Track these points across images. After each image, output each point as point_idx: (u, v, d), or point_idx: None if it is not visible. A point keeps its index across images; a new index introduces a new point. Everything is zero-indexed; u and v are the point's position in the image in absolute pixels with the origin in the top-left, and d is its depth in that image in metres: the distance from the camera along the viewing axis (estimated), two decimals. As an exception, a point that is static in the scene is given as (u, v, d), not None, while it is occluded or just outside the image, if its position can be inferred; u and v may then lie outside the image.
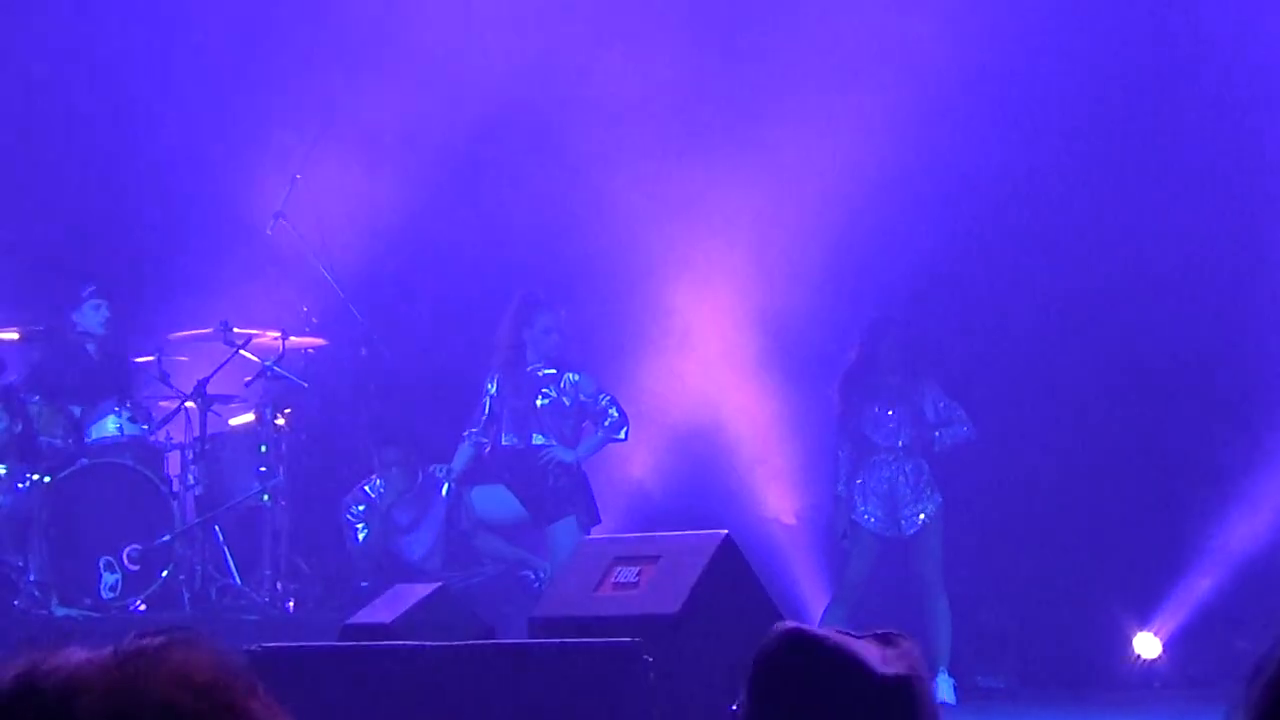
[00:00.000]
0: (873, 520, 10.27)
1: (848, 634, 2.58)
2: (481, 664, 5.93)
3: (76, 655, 1.53)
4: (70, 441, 10.38)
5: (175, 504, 10.34)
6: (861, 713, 2.50)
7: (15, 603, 9.94)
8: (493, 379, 10.64)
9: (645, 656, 5.62)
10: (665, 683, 5.62)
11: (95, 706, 1.48)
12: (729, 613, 5.92)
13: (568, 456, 10.47)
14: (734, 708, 2.56)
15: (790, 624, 2.59)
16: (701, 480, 11.34)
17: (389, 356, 11.42)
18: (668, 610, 5.86)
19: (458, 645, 6.06)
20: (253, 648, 6.09)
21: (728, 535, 6.19)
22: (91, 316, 10.80)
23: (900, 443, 10.31)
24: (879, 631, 2.59)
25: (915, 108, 11.13)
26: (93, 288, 10.84)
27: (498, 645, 6.35)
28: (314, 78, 11.85)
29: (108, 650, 1.54)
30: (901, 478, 10.29)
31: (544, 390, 10.56)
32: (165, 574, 10.20)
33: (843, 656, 2.51)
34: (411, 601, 6.51)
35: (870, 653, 2.52)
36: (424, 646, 6.03)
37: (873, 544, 10.29)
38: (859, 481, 10.31)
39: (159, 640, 1.54)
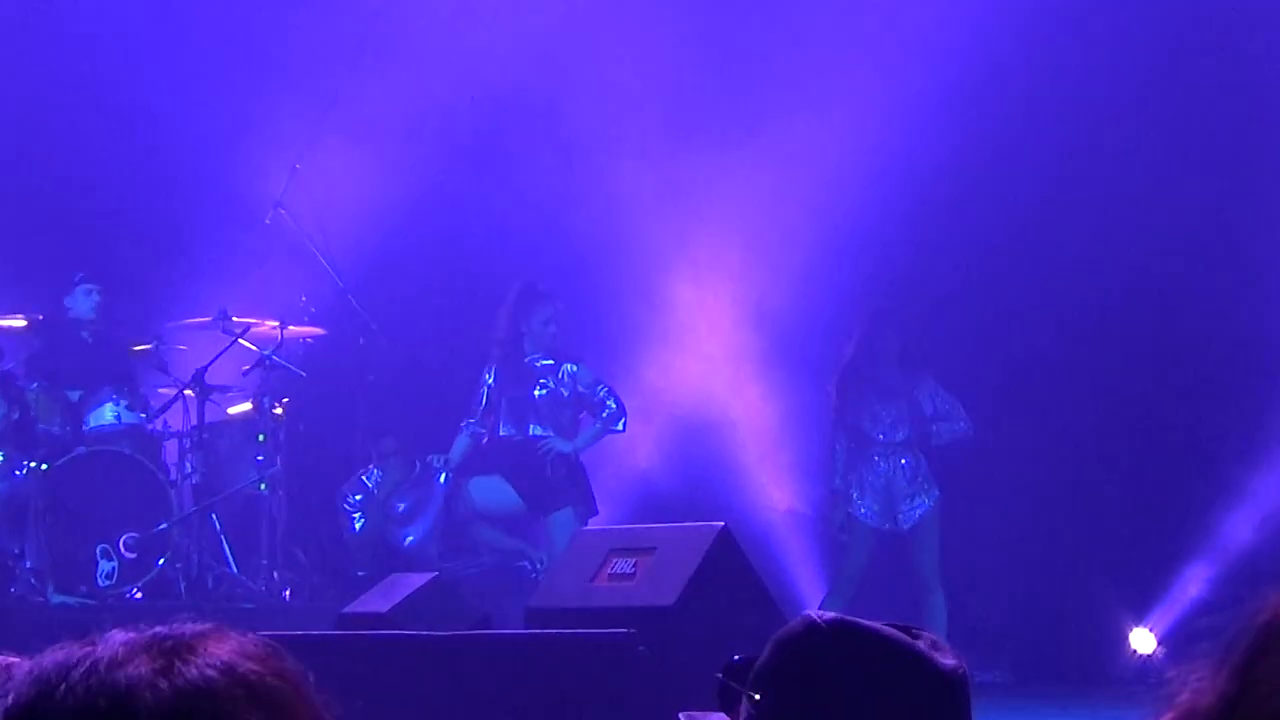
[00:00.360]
0: (869, 514, 10.28)
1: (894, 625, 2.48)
2: (477, 654, 5.94)
3: (121, 634, 1.55)
4: (68, 429, 10.39)
5: (173, 492, 10.34)
6: (923, 705, 2.40)
7: (12, 590, 9.95)
8: (490, 370, 10.66)
9: (640, 647, 5.62)
10: (661, 674, 5.62)
11: (145, 670, 1.49)
12: (725, 604, 5.92)
13: (565, 447, 10.49)
14: (757, 697, 2.42)
15: (826, 613, 2.46)
16: (699, 472, 11.34)
17: (387, 346, 11.41)
18: (664, 601, 5.86)
19: (454, 635, 6.06)
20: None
21: (724, 527, 6.19)
22: (83, 302, 10.81)
23: (897, 437, 10.32)
24: (897, 624, 2.48)
25: (917, 100, 11.13)
26: (83, 273, 10.84)
27: (494, 635, 6.35)
28: (314, 66, 11.84)
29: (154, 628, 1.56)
30: (898, 472, 10.30)
31: (542, 381, 10.57)
32: (162, 562, 10.21)
33: (901, 646, 2.41)
34: (408, 590, 6.51)
35: (920, 644, 2.43)
36: (420, 636, 6.04)
37: (869, 538, 10.30)
38: (856, 475, 10.32)
39: (203, 624, 1.57)
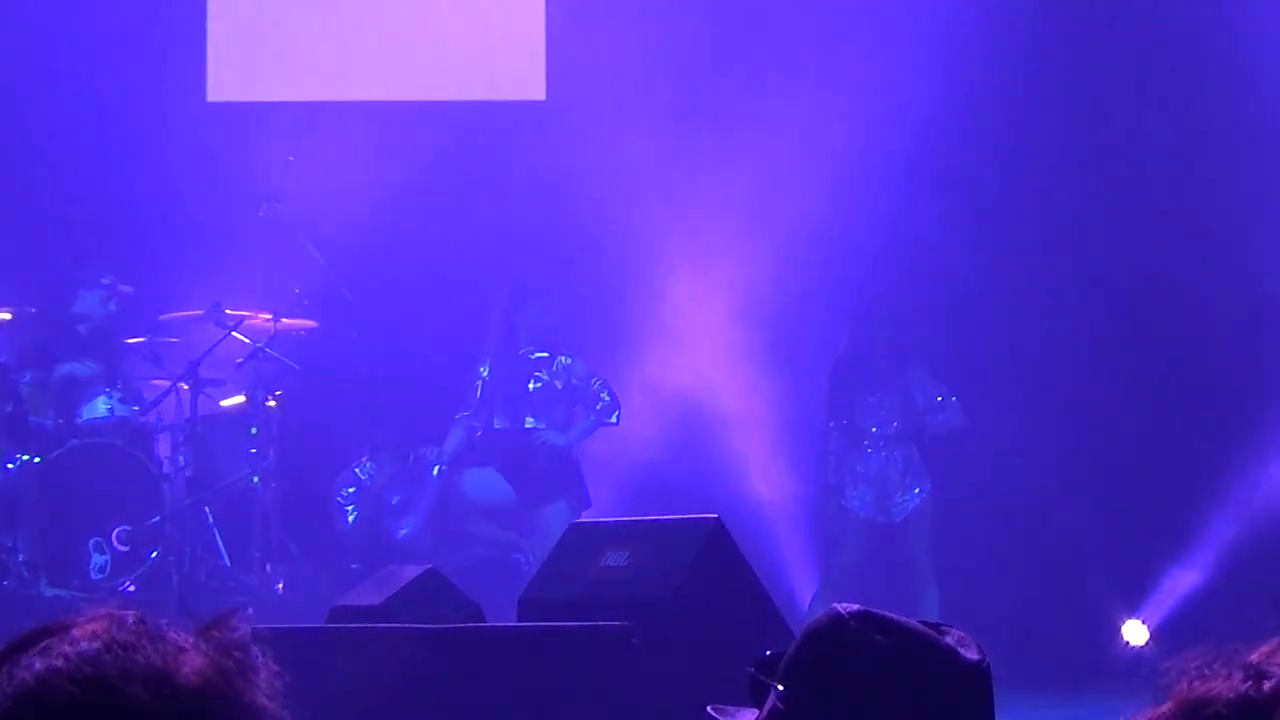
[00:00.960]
0: (862, 506, 10.28)
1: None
2: (470, 646, 5.94)
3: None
4: (60, 422, 10.38)
5: (165, 485, 10.34)
6: (947, 697, 2.43)
7: (4, 583, 9.94)
8: (485, 362, 10.67)
9: (633, 640, 5.62)
10: (654, 666, 5.62)
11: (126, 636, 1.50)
12: (718, 597, 5.91)
13: (559, 440, 10.49)
14: (780, 688, 2.44)
15: (851, 605, 2.49)
16: (693, 464, 11.34)
17: (380, 338, 11.41)
18: (656, 594, 5.85)
19: (446, 628, 6.06)
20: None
21: (718, 519, 6.18)
22: (97, 306, 10.77)
23: (890, 429, 10.32)
24: (926, 623, 2.51)
25: (910, 92, 11.13)
26: (112, 282, 10.76)
27: (486, 628, 6.35)
28: (309, 56, 11.82)
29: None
30: (892, 464, 10.31)
31: (536, 374, 10.57)
32: (155, 555, 10.20)
33: (925, 639, 2.45)
34: (401, 583, 6.49)
35: (944, 638, 2.47)
36: (413, 628, 6.03)
37: (862, 530, 10.31)
38: (848, 467, 10.32)
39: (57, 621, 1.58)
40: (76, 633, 1.53)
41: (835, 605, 2.49)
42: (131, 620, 1.56)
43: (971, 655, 2.46)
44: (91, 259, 10.95)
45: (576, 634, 5.79)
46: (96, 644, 1.51)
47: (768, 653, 2.52)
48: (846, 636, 2.44)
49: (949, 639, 2.47)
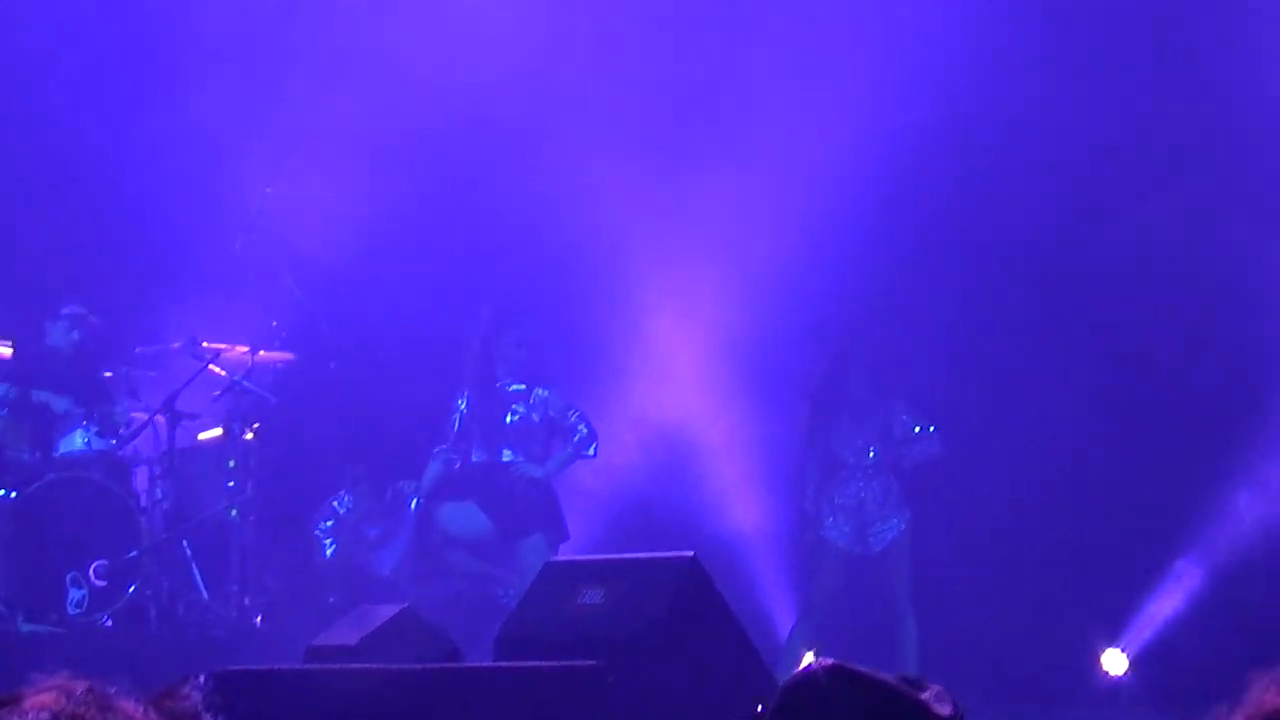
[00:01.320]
0: (841, 535, 10.28)
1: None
2: (445, 686, 5.92)
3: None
4: (38, 455, 10.35)
5: (143, 519, 10.31)
6: None
7: (-19, 619, 9.91)
8: (463, 395, 10.66)
9: (609, 679, 5.61)
10: (629, 706, 5.61)
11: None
12: (694, 635, 5.91)
13: (537, 473, 10.48)
14: None
15: (830, 660, 2.58)
16: (673, 494, 11.34)
17: (358, 371, 11.40)
18: (632, 632, 5.84)
19: (422, 668, 6.05)
20: (201, 672, 6.06)
21: (694, 557, 6.18)
22: (63, 336, 10.75)
23: (868, 459, 10.32)
24: (904, 677, 2.59)
25: (887, 126, 11.15)
26: (73, 311, 10.72)
27: (461, 668, 6.34)
28: (285, 88, 11.83)
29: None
30: (870, 494, 10.30)
31: (514, 407, 10.56)
32: (132, 589, 10.17)
33: (898, 694, 2.51)
34: (377, 622, 6.49)
35: (918, 693, 2.53)
36: (389, 668, 6.02)
37: (840, 560, 10.30)
38: (827, 497, 10.32)
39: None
40: (27, 704, 1.54)
41: (813, 661, 2.56)
42: (81, 691, 1.56)
43: (945, 710, 2.51)
44: (56, 291, 10.93)
45: (552, 674, 5.78)
46: (45, 715, 1.52)
47: (759, 709, 2.58)
48: (821, 693, 2.50)
49: (925, 694, 2.51)
